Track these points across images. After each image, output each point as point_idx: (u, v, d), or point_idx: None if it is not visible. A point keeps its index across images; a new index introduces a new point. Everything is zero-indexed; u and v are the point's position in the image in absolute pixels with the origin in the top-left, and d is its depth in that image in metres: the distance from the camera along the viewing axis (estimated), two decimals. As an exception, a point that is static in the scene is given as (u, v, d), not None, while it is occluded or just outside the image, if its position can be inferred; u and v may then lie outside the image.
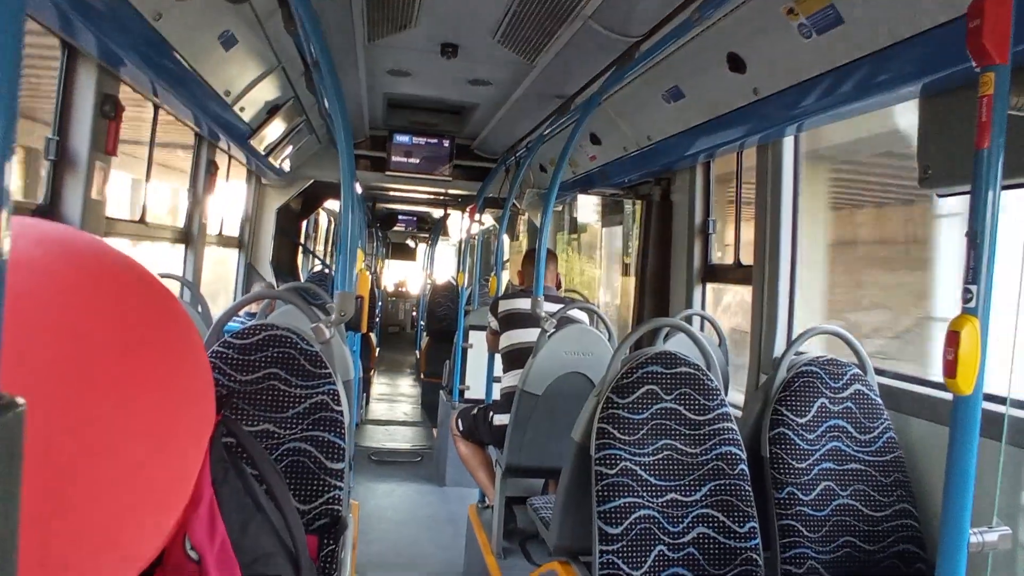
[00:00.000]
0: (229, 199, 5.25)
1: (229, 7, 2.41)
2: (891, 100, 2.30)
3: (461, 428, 3.98)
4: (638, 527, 2.06)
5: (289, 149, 5.05)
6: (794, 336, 3.13)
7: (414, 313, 15.87)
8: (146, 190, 3.52)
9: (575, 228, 6.67)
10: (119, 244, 3.33)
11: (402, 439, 6.67)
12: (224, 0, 2.28)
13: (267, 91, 3.82)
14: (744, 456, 2.20)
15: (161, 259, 4.12)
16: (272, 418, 1.97)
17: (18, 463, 0.45)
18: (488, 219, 9.03)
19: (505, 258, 7.80)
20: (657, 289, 4.32)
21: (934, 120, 2.06)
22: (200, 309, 3.34)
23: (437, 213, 10.72)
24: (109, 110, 2.66)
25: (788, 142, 3.15)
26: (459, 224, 9.27)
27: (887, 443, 2.35)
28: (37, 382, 1.21)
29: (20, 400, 0.45)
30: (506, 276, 7.25)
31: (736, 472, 2.16)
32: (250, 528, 1.67)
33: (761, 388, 2.53)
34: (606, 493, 2.08)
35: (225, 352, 1.99)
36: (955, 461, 1.20)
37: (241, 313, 4.10)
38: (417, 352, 10.87)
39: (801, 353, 2.55)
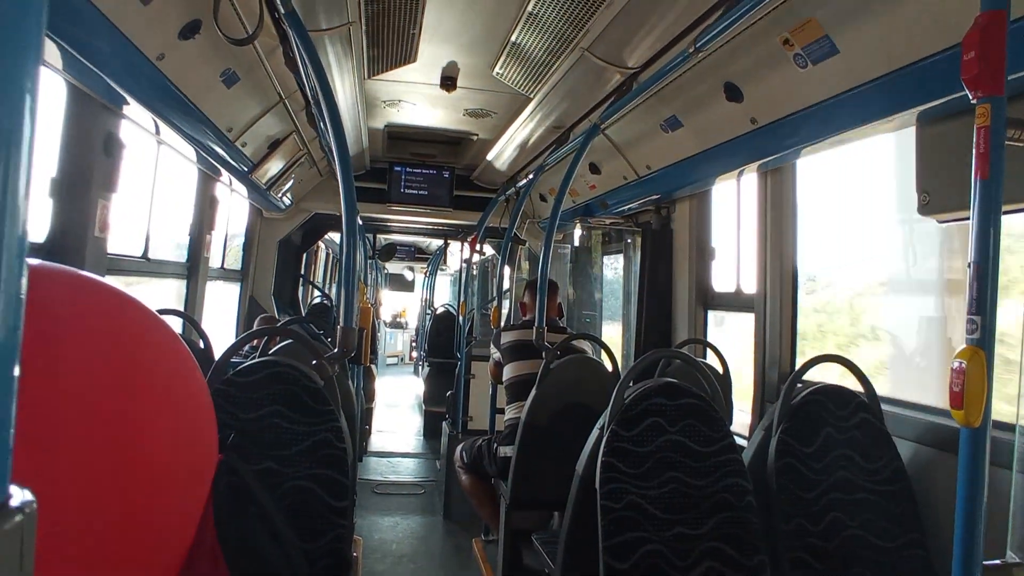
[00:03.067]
0: (230, 233, 5.27)
1: (230, 46, 2.44)
2: (888, 127, 2.32)
3: (465, 460, 3.95)
4: (646, 562, 2.03)
5: (290, 182, 5.07)
6: (797, 364, 3.13)
7: (412, 343, 15.86)
8: (149, 226, 3.53)
9: (576, 257, 6.68)
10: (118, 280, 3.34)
11: (405, 471, 6.61)
12: (226, 39, 2.30)
13: (268, 126, 3.85)
14: (751, 487, 2.17)
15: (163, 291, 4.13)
16: (275, 456, 1.95)
17: (28, 566, 0.43)
18: (488, 249, 9.06)
19: (506, 287, 7.80)
20: (658, 317, 4.32)
21: (931, 147, 2.07)
22: (203, 344, 3.33)
23: (436, 243, 10.77)
24: (112, 148, 2.68)
25: (787, 168, 3.17)
26: (458, 254, 9.30)
27: (895, 472, 2.32)
28: (36, 426, 1.20)
29: (29, 496, 0.43)
30: (507, 305, 7.24)
31: (743, 504, 2.14)
32: (254, 570, 1.65)
33: (766, 417, 2.51)
34: (613, 527, 2.05)
35: (228, 390, 1.98)
36: (965, 494, 1.19)
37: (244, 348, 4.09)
38: (419, 380, 10.81)
39: (805, 381, 2.54)
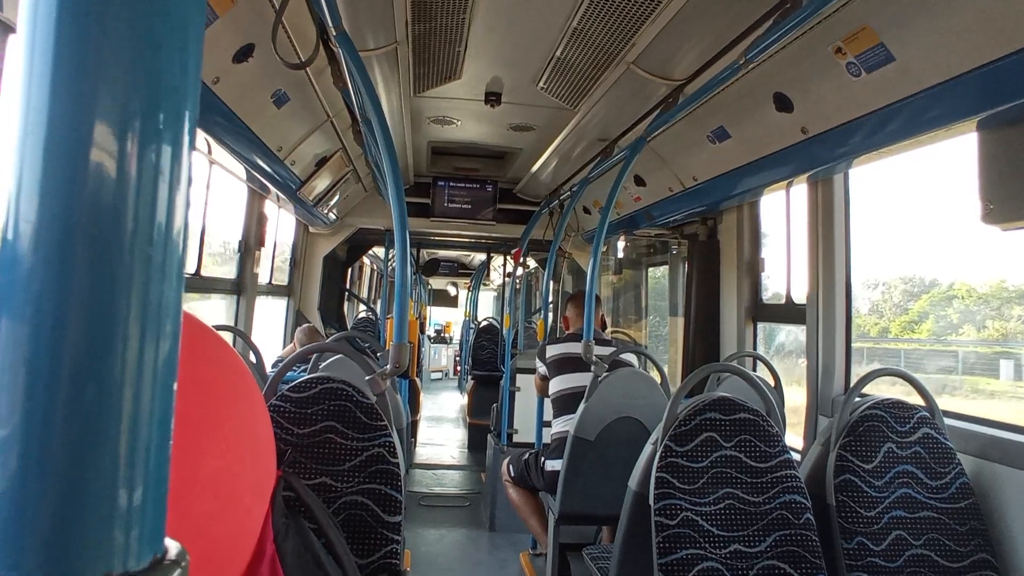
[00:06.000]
0: (277, 249, 5.38)
1: (282, 67, 2.49)
2: (945, 134, 2.26)
3: (512, 474, 3.94)
4: None
5: (336, 198, 5.15)
6: (852, 377, 3.05)
7: (456, 358, 15.92)
8: (201, 244, 3.62)
9: (620, 269, 6.64)
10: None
11: (450, 483, 6.62)
12: (279, 60, 2.35)
13: (316, 144, 3.92)
14: (809, 504, 2.11)
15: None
16: (329, 471, 1.97)
17: None
18: (531, 262, 9.07)
19: (551, 300, 7.79)
20: (706, 329, 4.26)
21: (995, 154, 2.01)
22: (254, 359, 3.39)
23: (480, 258, 10.82)
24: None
25: (838, 177, 3.11)
26: (501, 268, 9.31)
27: (960, 489, 2.25)
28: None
29: (180, 547, 0.42)
30: (551, 318, 7.23)
31: (802, 521, 2.09)
32: (312, 585, 1.66)
33: (822, 432, 2.45)
34: (667, 544, 2.02)
35: (283, 406, 2.01)
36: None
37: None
38: (463, 395, 10.83)
39: (864, 395, 2.47)
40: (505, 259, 8.40)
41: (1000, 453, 2.22)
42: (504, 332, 6.51)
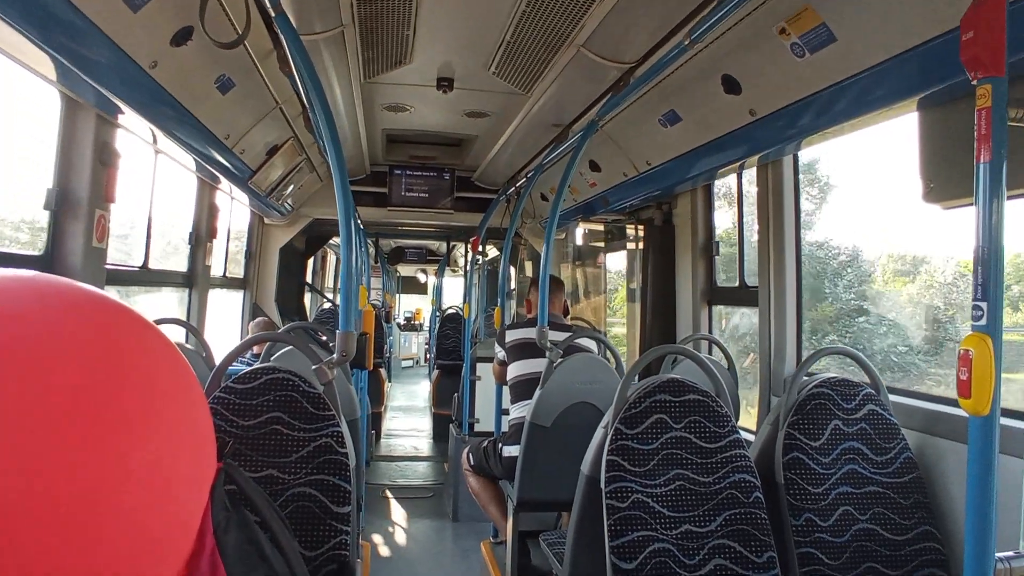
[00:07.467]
0: (231, 240, 5.27)
1: (224, 52, 2.42)
2: (888, 114, 2.29)
3: (472, 462, 3.93)
4: (653, 561, 2.01)
5: (290, 188, 5.06)
6: (803, 357, 3.09)
7: (426, 346, 15.83)
8: (148, 236, 3.52)
9: (579, 256, 6.65)
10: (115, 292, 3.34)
11: (413, 475, 6.60)
12: (214, 43, 2.28)
13: (266, 132, 3.84)
14: (758, 483, 2.14)
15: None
16: (275, 463, 1.93)
17: None
18: (492, 250, 9.03)
19: (511, 287, 7.77)
20: (662, 313, 4.29)
21: (933, 133, 2.04)
22: (204, 353, 3.32)
23: (441, 245, 10.73)
24: (107, 158, 2.67)
25: (788, 160, 3.14)
26: (464, 255, 9.27)
27: (905, 464, 2.29)
28: (28, 436, 1.18)
29: None
30: (512, 306, 7.21)
31: (751, 500, 2.11)
32: (254, 579, 1.62)
33: (772, 412, 2.48)
34: (619, 527, 2.02)
35: (227, 397, 1.96)
36: (976, 485, 1.16)
37: (246, 354, 4.08)
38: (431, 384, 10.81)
39: (812, 374, 2.50)
40: (466, 247, 8.36)
41: (942, 427, 2.27)
42: (465, 320, 6.48)
